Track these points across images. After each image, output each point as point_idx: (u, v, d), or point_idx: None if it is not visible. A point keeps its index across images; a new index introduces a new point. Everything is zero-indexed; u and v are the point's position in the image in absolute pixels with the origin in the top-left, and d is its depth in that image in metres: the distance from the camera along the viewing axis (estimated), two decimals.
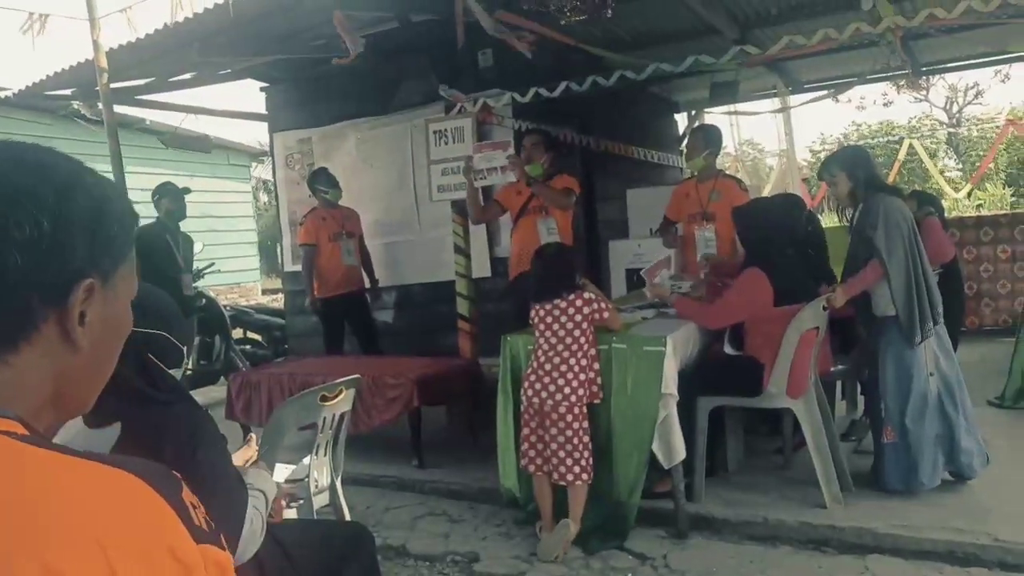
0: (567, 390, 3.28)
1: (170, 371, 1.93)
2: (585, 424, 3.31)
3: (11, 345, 0.72)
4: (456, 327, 5.49)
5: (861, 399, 4.44)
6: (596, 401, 3.39)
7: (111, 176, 5.36)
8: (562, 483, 3.31)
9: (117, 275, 0.78)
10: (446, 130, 5.30)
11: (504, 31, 4.95)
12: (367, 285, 5.99)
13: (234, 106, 8.02)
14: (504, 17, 5.03)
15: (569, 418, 3.27)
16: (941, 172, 12.82)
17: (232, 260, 10.63)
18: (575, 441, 3.27)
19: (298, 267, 6.81)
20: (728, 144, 9.37)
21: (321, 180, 5.81)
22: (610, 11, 4.66)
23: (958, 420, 3.60)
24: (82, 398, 0.81)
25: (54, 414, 0.80)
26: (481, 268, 5.85)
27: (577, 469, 3.27)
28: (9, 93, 6.89)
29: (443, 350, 5.71)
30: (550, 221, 4.83)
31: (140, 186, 6.87)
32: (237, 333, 7.63)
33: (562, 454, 3.27)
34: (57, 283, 0.73)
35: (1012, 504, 3.38)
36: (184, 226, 6.15)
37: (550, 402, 3.29)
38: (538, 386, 3.33)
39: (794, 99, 8.20)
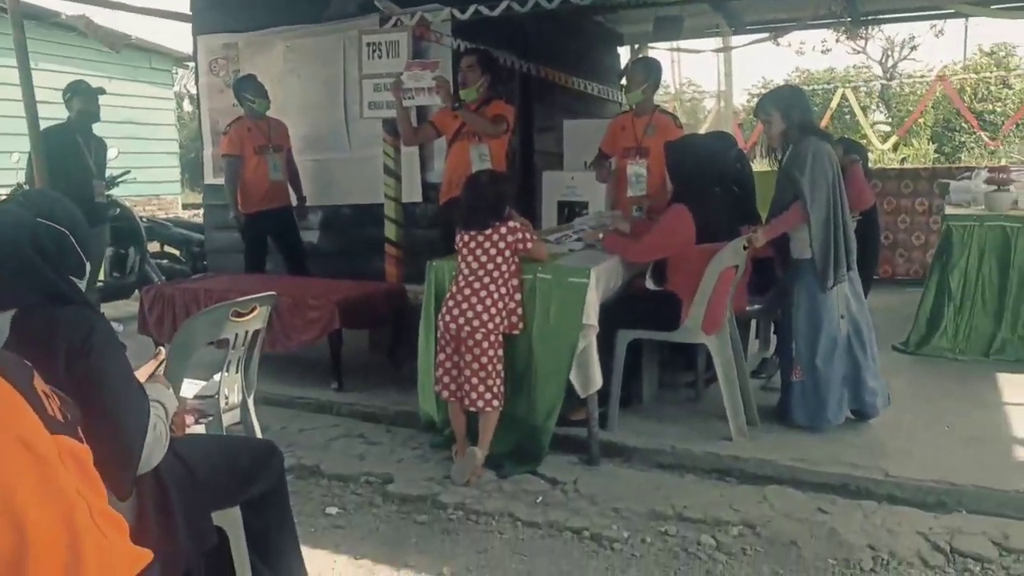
0: (485, 317, 3.28)
1: (71, 279, 1.84)
2: (500, 352, 3.33)
3: None
4: (383, 251, 5.42)
5: (774, 338, 4.59)
6: (515, 331, 3.41)
7: (15, 72, 5.01)
8: (472, 409, 3.34)
9: None
10: (380, 43, 5.11)
11: None
12: (294, 202, 5.80)
13: (156, 3, 7.52)
14: None
15: (485, 345, 3.28)
16: (872, 125, 13.13)
17: (151, 171, 10.18)
18: (488, 368, 3.29)
19: (219, 180, 6.54)
20: (668, 82, 9.30)
21: (249, 88, 5.52)
22: None
23: (865, 362, 3.76)
24: None
25: None
26: (412, 192, 5.75)
27: (488, 395, 3.30)
28: None
29: (370, 274, 5.62)
30: (483, 147, 4.73)
31: (51, 84, 6.44)
32: (154, 247, 7.36)
33: (475, 380, 3.30)
34: None
35: (906, 442, 3.59)
36: (98, 130, 5.82)
37: (467, 328, 3.29)
38: (456, 311, 3.32)
39: (736, 40, 8.16)
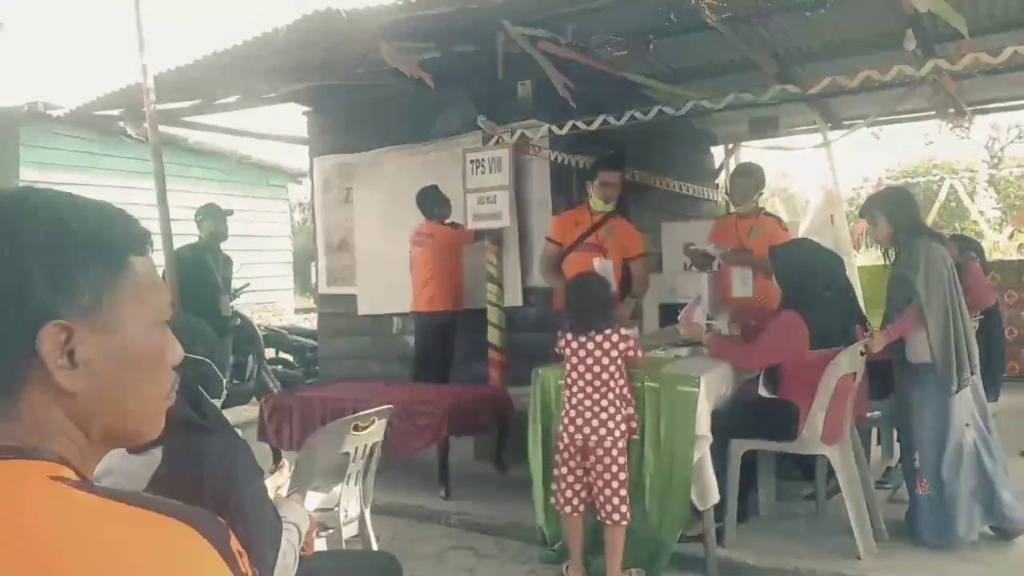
0: (611, 424, 3.25)
1: (212, 400, 1.97)
2: (625, 460, 3.28)
3: (9, 396, 0.71)
4: (486, 356, 5.50)
5: (897, 445, 4.34)
6: (634, 436, 3.35)
7: (153, 195, 5.50)
8: (608, 522, 3.25)
9: (108, 303, 0.74)
10: (483, 160, 5.35)
11: (546, 62, 4.99)
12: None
13: (276, 129, 8.17)
14: (544, 47, 5.08)
15: (615, 452, 3.24)
16: (981, 212, 12.61)
17: (267, 279, 10.78)
18: (620, 477, 3.24)
19: (334, 289, 6.92)
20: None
21: (442, 198, 5.72)
22: (651, 47, 4.69)
23: (996, 472, 3.51)
24: (130, 428, 0.79)
25: (107, 445, 0.79)
26: (513, 297, 5.86)
27: (624, 508, 3.24)
28: (61, 112, 7.10)
29: (473, 378, 5.71)
30: (608, 264, 4.72)
31: (180, 203, 6.99)
32: (269, 352, 7.71)
33: (608, 492, 3.23)
34: (22, 331, 0.69)
35: None
36: (223, 245, 6.26)
37: (594, 438, 3.25)
38: (580, 421, 3.29)
39: (833, 135, 8.11)
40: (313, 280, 8.74)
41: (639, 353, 3.39)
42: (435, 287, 5.68)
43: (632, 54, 4.89)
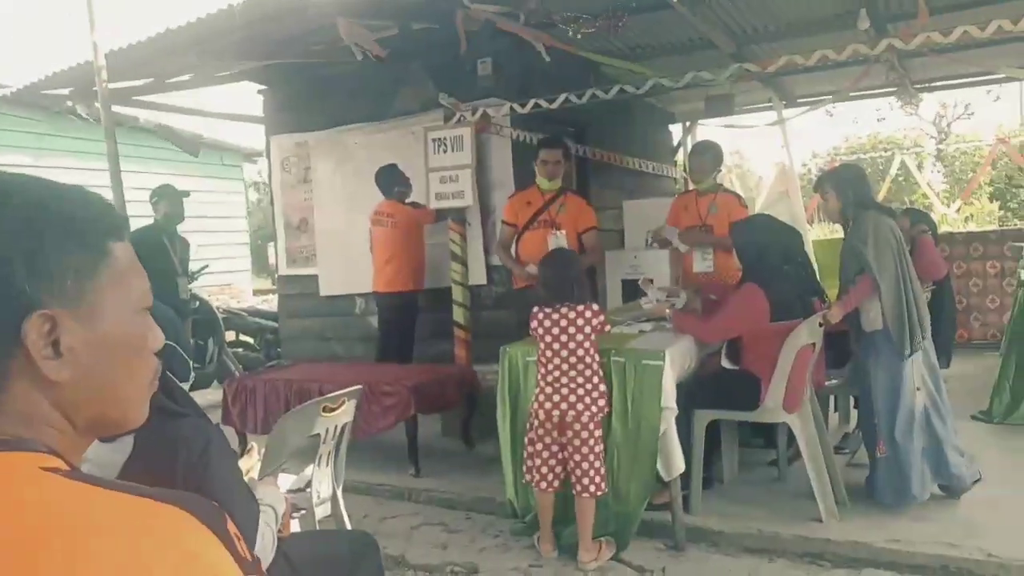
0: (588, 400, 3.28)
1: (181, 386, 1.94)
2: (600, 434, 3.32)
3: None
4: (451, 334, 5.50)
5: (854, 412, 4.48)
6: (607, 410, 3.39)
7: (107, 177, 5.36)
8: (584, 495, 3.29)
9: (90, 290, 0.72)
10: (445, 139, 5.32)
11: (519, 27, 4.97)
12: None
13: (230, 108, 8.00)
14: (503, 26, 5.06)
15: (591, 426, 3.28)
16: (930, 186, 12.97)
17: (224, 260, 10.59)
18: (597, 451, 3.28)
19: (294, 270, 6.85)
20: None
21: (400, 177, 5.70)
22: (622, 24, 4.71)
23: (945, 434, 3.65)
24: (115, 416, 0.78)
25: (92, 433, 0.78)
26: (477, 275, 5.86)
27: (598, 480, 3.28)
28: (7, 91, 6.84)
29: (438, 357, 5.72)
30: (561, 237, 4.79)
31: (132, 185, 6.81)
32: (229, 336, 7.60)
33: (585, 465, 3.27)
34: (3, 321, 0.68)
35: (1005, 519, 3.43)
36: (180, 227, 6.13)
37: (572, 413, 3.28)
38: (556, 398, 3.31)
39: (788, 112, 8.24)
40: (272, 261, 8.61)
41: (607, 327, 3.43)
42: (395, 267, 5.68)
43: (597, 32, 4.88)
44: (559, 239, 4.80)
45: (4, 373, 0.70)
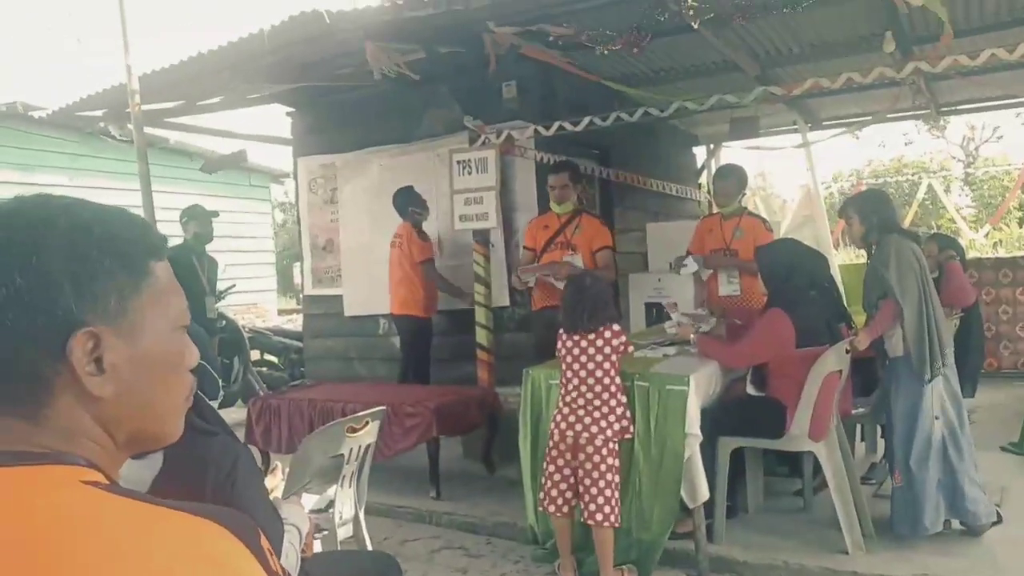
0: (603, 423, 3.26)
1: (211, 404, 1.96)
2: (617, 462, 3.29)
3: (36, 403, 0.71)
4: (474, 356, 5.50)
5: (881, 441, 4.40)
6: (627, 436, 3.36)
7: (139, 197, 5.46)
8: (591, 523, 3.26)
9: (133, 308, 0.74)
10: (470, 161, 5.34)
11: (540, 49, 5.03)
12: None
13: (259, 129, 8.14)
14: (529, 51, 5.11)
15: (604, 452, 3.25)
16: (958, 210, 12.81)
17: (250, 280, 10.70)
18: (608, 477, 3.24)
19: (320, 290, 6.90)
20: None
21: (417, 200, 5.79)
22: (645, 44, 4.75)
23: (961, 466, 3.54)
24: (154, 432, 0.80)
25: (131, 448, 0.80)
26: (500, 297, 5.87)
27: (607, 509, 3.23)
28: (43, 113, 7.01)
29: (461, 379, 5.72)
30: (576, 258, 4.86)
31: (162, 205, 6.92)
32: (254, 355, 7.66)
33: (594, 491, 3.24)
34: (49, 338, 0.70)
35: None
36: (209, 246, 6.22)
37: (585, 435, 3.26)
38: (572, 419, 3.30)
39: (813, 135, 8.21)
40: (297, 281, 8.72)
41: (630, 348, 3.42)
42: (404, 290, 5.75)
43: (620, 53, 4.92)
44: (573, 260, 4.85)
45: (49, 389, 0.71)
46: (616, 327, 3.37)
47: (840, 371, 3.62)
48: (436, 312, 5.94)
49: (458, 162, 5.40)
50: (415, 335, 5.82)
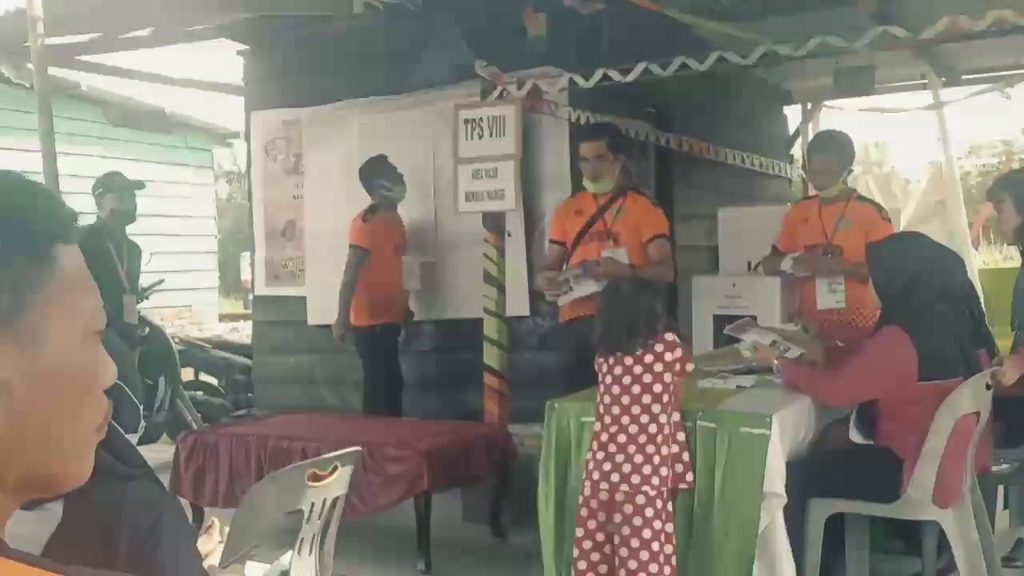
0: (647, 469, 3.24)
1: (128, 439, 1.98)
2: (669, 527, 3.27)
3: None
4: (481, 382, 5.52)
5: None
6: (683, 486, 3.35)
7: (38, 160, 5.51)
8: None
9: (30, 308, 0.74)
10: (482, 120, 5.38)
11: None
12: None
13: (201, 74, 8.22)
14: None
15: (651, 512, 3.23)
16: None
17: (184, 274, 10.79)
18: (655, 547, 3.22)
19: (274, 289, 6.93)
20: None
21: (384, 173, 5.95)
22: None
23: None
24: (54, 472, 0.80)
25: (22, 494, 0.80)
26: (518, 305, 5.89)
27: None
28: None
29: (462, 413, 5.74)
30: (620, 252, 4.86)
31: (70, 170, 6.95)
32: (187, 374, 7.71)
33: (634, 565, 3.21)
34: None
35: None
36: (128, 228, 6.27)
37: (624, 487, 3.24)
38: (607, 466, 3.28)
39: (949, 93, 8.15)
40: (246, 277, 8.77)
41: (690, 366, 3.42)
42: (361, 291, 5.88)
43: None
44: (616, 255, 4.86)
45: None
46: (670, 336, 3.37)
47: (978, 413, 3.60)
48: (399, 318, 6.05)
49: (466, 121, 5.43)
50: (359, 351, 5.99)
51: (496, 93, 5.39)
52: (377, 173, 5.94)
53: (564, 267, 5.08)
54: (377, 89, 6.50)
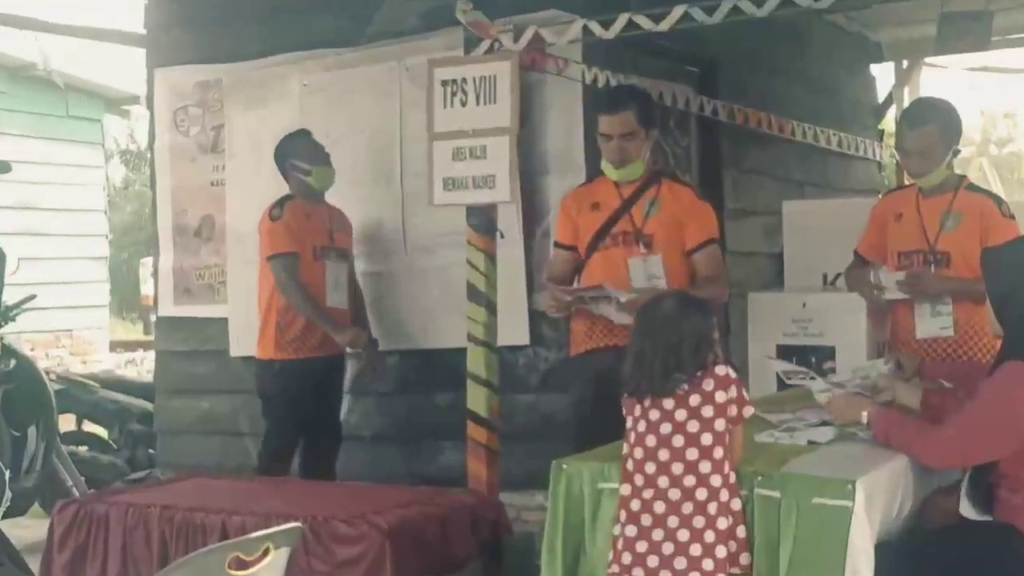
0: (695, 550, 3.23)
1: None
2: None
3: None
4: (463, 434, 5.51)
5: None
6: (735, 570, 3.33)
7: None
8: None
9: None
10: (465, 81, 5.37)
11: None
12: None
13: (88, 20, 8.23)
14: None
15: None
16: None
17: (63, 288, 10.76)
18: None
19: (186, 309, 6.93)
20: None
21: (300, 150, 5.98)
22: None
23: None
24: None
25: None
26: (514, 330, 5.89)
27: None
28: None
29: (438, 475, 5.73)
30: (653, 262, 4.81)
31: None
32: (66, 422, 7.67)
33: None
34: None
35: None
36: None
37: (666, 575, 3.25)
38: (641, 546, 3.28)
39: None
40: (147, 292, 8.73)
41: (749, 411, 3.41)
42: (263, 313, 5.96)
43: None
44: (647, 265, 4.83)
45: None
46: (723, 370, 3.36)
47: None
48: (335, 349, 6.02)
49: (444, 83, 5.43)
50: (262, 394, 6.04)
51: (485, 46, 5.39)
52: (289, 151, 5.99)
53: (576, 281, 5.08)
54: (324, 39, 6.53)
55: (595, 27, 5.03)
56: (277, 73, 6.73)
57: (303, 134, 6.04)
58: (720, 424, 3.32)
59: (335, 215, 6.17)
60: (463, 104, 5.36)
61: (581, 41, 5.31)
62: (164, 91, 7.20)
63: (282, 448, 5.94)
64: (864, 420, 3.88)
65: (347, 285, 6.10)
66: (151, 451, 7.48)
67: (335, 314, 5.98)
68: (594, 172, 5.42)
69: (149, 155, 7.51)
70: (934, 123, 4.82)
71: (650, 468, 3.34)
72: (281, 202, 5.96)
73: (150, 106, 7.35)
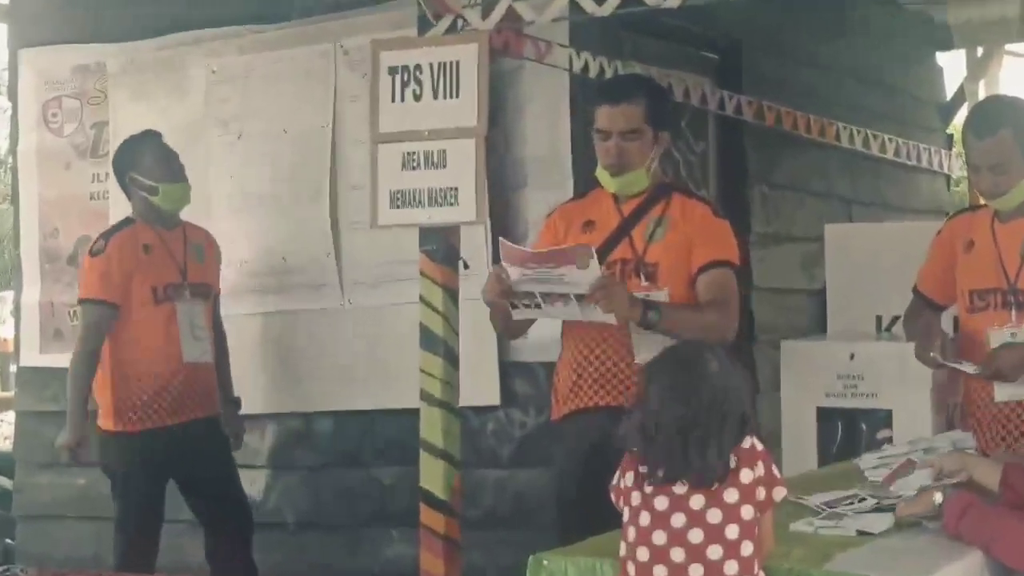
0: None
1: None
2: None
3: None
4: (415, 520, 5.52)
5: None
6: None
7: None
8: None
9: None
10: (420, 68, 5.40)
11: None
12: (219, 407, 6.05)
13: None
14: None
15: None
16: None
17: None
18: None
19: (55, 358, 6.94)
20: None
21: (144, 159, 5.90)
22: None
23: None
24: None
25: None
26: (481, 387, 5.90)
27: None
28: None
29: (383, 570, 5.73)
30: (660, 296, 4.80)
31: None
32: None
33: None
34: None
35: None
36: None
37: None
38: None
39: None
40: (5, 335, 8.71)
41: (778, 493, 3.41)
42: (105, 372, 5.87)
43: None
44: (654, 299, 4.78)
45: None
46: (747, 442, 3.34)
47: None
48: (194, 413, 5.93)
49: (392, 71, 5.45)
50: (104, 471, 6.03)
51: (445, 24, 5.42)
52: (129, 162, 5.92)
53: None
54: (239, 14, 6.57)
55: (586, 2, 5.06)
56: (177, 56, 6.75)
57: (149, 138, 5.94)
58: (748, 511, 3.29)
59: (193, 240, 6.07)
60: (416, 98, 5.38)
61: (568, 19, 5.33)
62: (31, 77, 7.20)
63: (137, 538, 5.88)
64: (934, 505, 3.91)
65: (209, 331, 6.04)
66: (8, 541, 7.44)
67: (200, 370, 5.93)
68: (583, 185, 5.42)
69: (11, 160, 7.49)
70: (1009, 128, 4.83)
71: (660, 573, 3.34)
72: (112, 230, 5.91)
73: (12, 97, 7.35)
